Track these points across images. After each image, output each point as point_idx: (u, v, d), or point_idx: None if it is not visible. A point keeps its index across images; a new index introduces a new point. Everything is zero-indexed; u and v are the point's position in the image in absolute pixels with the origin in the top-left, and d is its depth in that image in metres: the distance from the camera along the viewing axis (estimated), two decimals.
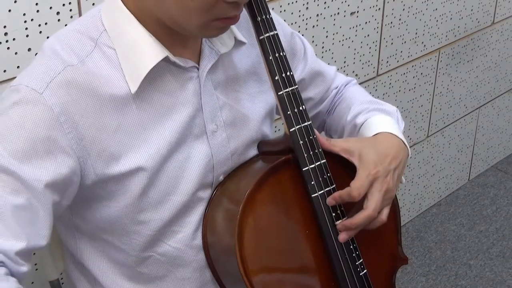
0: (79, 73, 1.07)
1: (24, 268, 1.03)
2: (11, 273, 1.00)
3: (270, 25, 1.16)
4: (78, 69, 1.07)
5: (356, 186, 1.17)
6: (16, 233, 1.01)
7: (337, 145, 1.21)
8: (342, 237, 1.18)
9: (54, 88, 1.05)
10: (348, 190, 1.17)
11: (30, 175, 1.03)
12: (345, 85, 1.44)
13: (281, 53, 1.17)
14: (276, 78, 1.16)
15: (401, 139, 1.27)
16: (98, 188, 1.11)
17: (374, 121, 1.30)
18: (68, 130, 1.05)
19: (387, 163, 1.20)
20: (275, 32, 1.16)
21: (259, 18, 1.15)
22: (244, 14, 1.18)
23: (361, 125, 1.31)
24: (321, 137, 1.20)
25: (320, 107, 1.42)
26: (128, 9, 1.09)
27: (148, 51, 1.09)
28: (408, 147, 1.29)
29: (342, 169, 1.22)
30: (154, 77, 1.11)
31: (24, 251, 1.02)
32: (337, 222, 1.19)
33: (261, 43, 1.16)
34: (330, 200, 1.18)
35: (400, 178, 1.25)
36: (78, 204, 1.14)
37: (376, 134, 1.27)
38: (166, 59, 1.10)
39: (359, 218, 1.17)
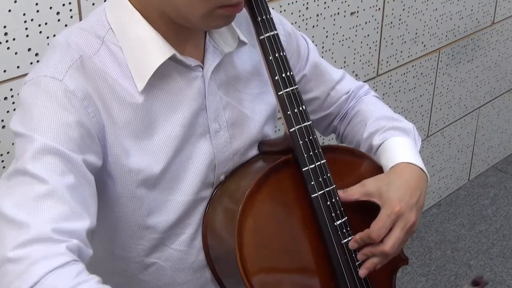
0: (92, 65, 1.07)
1: (91, 251, 0.99)
2: (83, 259, 0.96)
3: (270, 25, 1.16)
4: (90, 61, 1.07)
5: (376, 228, 1.17)
6: (80, 213, 0.98)
7: (355, 193, 1.21)
8: (362, 272, 1.20)
9: (73, 74, 1.05)
10: (368, 232, 1.17)
11: (72, 154, 1.01)
12: (358, 92, 1.41)
13: (281, 53, 1.16)
14: (276, 78, 1.16)
15: (419, 167, 1.25)
16: (107, 182, 1.11)
17: (391, 145, 1.28)
18: (92, 114, 1.05)
19: (408, 198, 1.19)
20: (275, 32, 1.16)
21: (259, 18, 1.15)
22: (245, 15, 1.18)
23: (378, 148, 1.29)
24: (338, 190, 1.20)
25: (329, 110, 1.40)
26: (133, 5, 1.09)
27: (155, 49, 1.09)
28: (427, 172, 1.27)
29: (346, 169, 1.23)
30: (161, 75, 1.11)
31: (90, 230, 0.99)
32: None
33: (261, 43, 1.16)
34: (352, 244, 1.19)
35: (422, 207, 1.24)
36: None
37: (393, 166, 1.24)
38: (172, 58, 1.10)
39: (374, 249, 1.18)
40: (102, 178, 1.10)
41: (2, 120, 1.48)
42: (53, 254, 0.91)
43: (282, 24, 1.30)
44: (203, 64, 1.16)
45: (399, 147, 1.27)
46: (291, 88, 1.17)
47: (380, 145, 1.29)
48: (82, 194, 1.01)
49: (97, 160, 1.06)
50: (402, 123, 1.33)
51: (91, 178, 1.04)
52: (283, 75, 1.16)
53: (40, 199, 0.95)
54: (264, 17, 1.15)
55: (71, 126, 1.02)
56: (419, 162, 1.26)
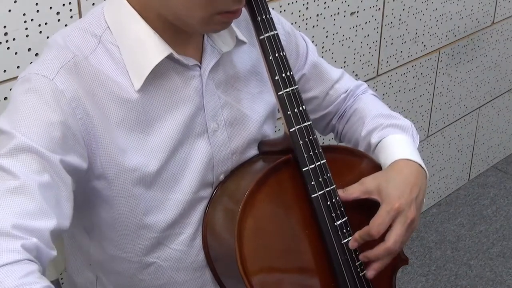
0: (87, 65, 1.07)
1: (54, 252, 0.98)
2: (42, 260, 0.96)
3: (270, 25, 1.16)
4: (85, 61, 1.07)
5: (376, 224, 1.17)
6: (47, 212, 0.97)
7: (354, 191, 1.21)
8: (370, 273, 1.19)
9: (65, 74, 1.05)
10: (367, 229, 1.17)
11: (50, 154, 1.00)
12: (356, 90, 1.41)
13: (281, 53, 1.16)
14: (276, 78, 1.16)
15: (418, 163, 1.25)
16: (98, 186, 1.11)
17: (390, 142, 1.28)
18: (79, 116, 1.05)
19: (408, 193, 1.19)
20: (275, 32, 1.16)
21: (259, 18, 1.15)
22: (244, 14, 1.18)
23: (376, 145, 1.30)
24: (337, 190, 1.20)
25: (328, 109, 1.41)
26: (131, 5, 1.09)
27: (152, 48, 1.09)
28: (426, 169, 1.27)
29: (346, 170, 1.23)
30: (158, 74, 1.11)
31: (55, 231, 0.98)
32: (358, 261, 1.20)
33: (261, 43, 1.16)
34: (352, 243, 1.19)
35: (422, 204, 1.24)
36: (85, 204, 1.13)
37: (392, 162, 1.24)
38: (169, 57, 1.11)
39: (378, 251, 1.18)
40: (90, 183, 1.10)
41: None
42: (6, 250, 0.90)
43: (281, 23, 1.30)
44: (200, 64, 1.16)
45: (397, 144, 1.27)
46: (291, 88, 1.17)
47: (379, 142, 1.29)
48: (55, 194, 1.00)
49: (81, 162, 1.06)
50: (400, 120, 1.33)
51: (68, 180, 1.04)
52: (283, 75, 1.16)
53: (9, 193, 0.95)
54: (264, 17, 1.15)
55: (54, 125, 1.02)
56: (418, 159, 1.26)
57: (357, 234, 1.18)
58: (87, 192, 1.11)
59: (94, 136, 1.07)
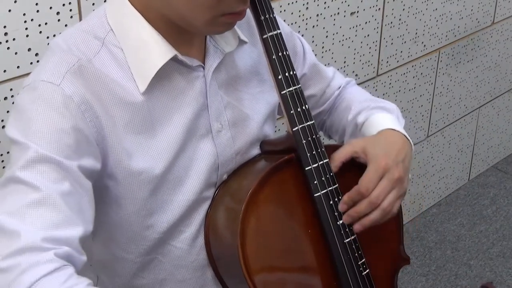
0: (91, 68, 1.07)
1: (84, 257, 0.99)
2: (76, 266, 0.97)
3: (273, 24, 1.16)
4: (89, 64, 1.07)
5: (364, 182, 1.16)
6: (74, 220, 0.98)
7: (342, 154, 1.20)
8: (356, 227, 1.18)
9: (71, 78, 1.04)
10: (356, 187, 1.17)
11: (67, 161, 1.00)
12: (346, 86, 1.44)
13: (284, 52, 1.16)
14: (280, 77, 1.16)
15: (403, 134, 1.27)
16: (109, 185, 1.11)
17: (376, 119, 1.30)
18: (89, 118, 1.05)
19: (394, 155, 1.20)
20: (279, 31, 1.16)
21: (263, 17, 1.15)
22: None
23: (363, 124, 1.31)
24: None
25: (323, 107, 1.42)
26: (134, 7, 1.09)
27: (156, 49, 1.09)
28: (411, 142, 1.28)
29: (348, 170, 1.22)
30: (162, 76, 1.10)
31: (83, 237, 0.99)
32: (340, 222, 1.18)
33: (265, 42, 1.16)
34: (342, 206, 1.18)
35: (408, 170, 1.24)
36: (96, 203, 1.13)
37: (378, 131, 1.26)
38: (174, 58, 1.10)
39: (360, 206, 1.17)
40: (102, 181, 1.10)
41: (2, 120, 1.48)
42: (42, 262, 0.91)
43: (280, 24, 1.30)
44: (204, 64, 1.15)
45: (383, 120, 1.29)
46: (294, 88, 1.17)
47: (365, 122, 1.31)
48: (77, 200, 1.00)
49: (95, 163, 1.06)
50: (385, 103, 1.36)
51: (88, 185, 1.04)
52: (286, 74, 1.16)
53: (33, 206, 0.95)
54: (267, 16, 1.15)
55: (66, 132, 1.01)
56: (404, 132, 1.28)
57: (346, 196, 1.18)
58: (100, 189, 1.11)
59: (104, 138, 1.07)
